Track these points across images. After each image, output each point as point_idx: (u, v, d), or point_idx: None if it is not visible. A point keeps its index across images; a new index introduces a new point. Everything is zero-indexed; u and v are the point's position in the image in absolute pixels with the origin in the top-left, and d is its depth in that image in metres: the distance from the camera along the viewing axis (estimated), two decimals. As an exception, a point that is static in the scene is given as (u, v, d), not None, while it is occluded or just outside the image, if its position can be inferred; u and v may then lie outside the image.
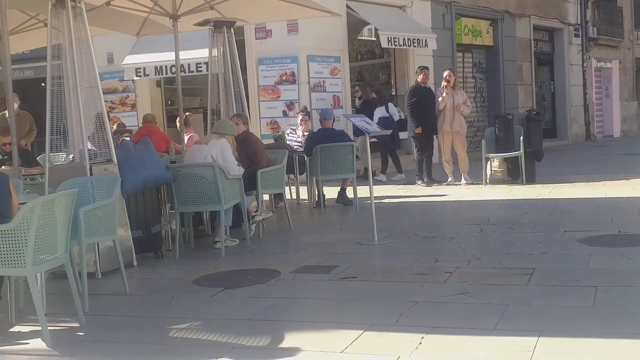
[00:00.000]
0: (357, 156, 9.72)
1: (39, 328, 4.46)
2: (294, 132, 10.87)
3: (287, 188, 9.82)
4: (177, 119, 11.10)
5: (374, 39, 15.03)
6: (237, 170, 7.27)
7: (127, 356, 4.21)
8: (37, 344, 4.44)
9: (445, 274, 5.60)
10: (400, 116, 12.56)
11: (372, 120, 10.33)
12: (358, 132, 10.52)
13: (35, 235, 4.31)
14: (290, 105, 13.34)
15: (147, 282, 6.16)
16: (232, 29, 9.09)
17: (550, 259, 5.98)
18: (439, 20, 16.32)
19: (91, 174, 6.23)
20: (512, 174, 11.28)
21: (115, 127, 10.99)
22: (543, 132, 12.96)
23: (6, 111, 8.67)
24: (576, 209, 8.70)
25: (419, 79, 11.45)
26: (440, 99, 11.19)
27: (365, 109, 12.54)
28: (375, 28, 14.36)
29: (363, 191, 9.41)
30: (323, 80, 13.55)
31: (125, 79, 14.97)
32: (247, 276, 6.00)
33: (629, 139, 23.28)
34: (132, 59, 14.09)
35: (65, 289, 5.05)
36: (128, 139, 9.10)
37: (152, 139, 7.97)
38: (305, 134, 10.55)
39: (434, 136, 11.49)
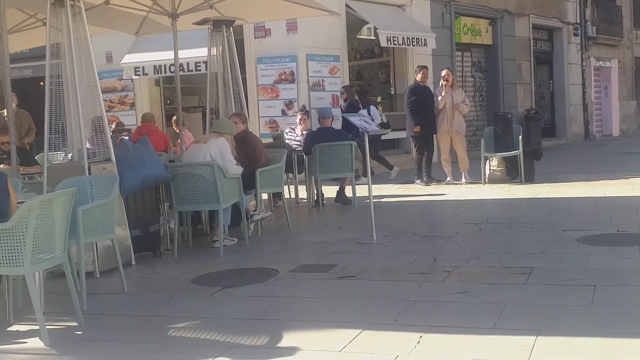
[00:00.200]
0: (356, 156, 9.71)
1: (37, 327, 4.46)
2: (292, 131, 10.88)
3: (285, 187, 9.83)
4: (173, 119, 11.10)
5: (373, 38, 15.02)
6: (236, 169, 7.27)
7: (126, 355, 4.20)
8: (35, 343, 4.44)
9: (443, 273, 5.60)
10: (382, 119, 12.35)
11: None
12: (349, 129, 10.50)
13: (33, 234, 4.31)
14: (289, 104, 13.33)
15: (145, 281, 6.16)
16: (231, 28, 9.08)
17: (549, 258, 5.98)
18: (438, 19, 16.32)
19: (90, 173, 6.23)
20: (511, 173, 11.28)
21: (114, 125, 11.00)
22: (542, 131, 12.96)
23: (4, 110, 8.67)
24: (575, 208, 8.70)
25: (418, 78, 11.45)
26: (439, 98, 11.19)
27: (349, 111, 12.43)
28: (374, 27, 14.34)
29: (362, 190, 9.42)
30: (322, 80, 13.54)
31: (124, 78, 14.95)
32: (246, 275, 6.00)
33: (628, 138, 23.29)
34: (131, 58, 14.08)
35: (63, 288, 5.05)
36: (127, 138, 9.10)
37: (150, 138, 7.98)
38: (304, 133, 10.56)
39: (433, 135, 11.49)
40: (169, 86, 15.62)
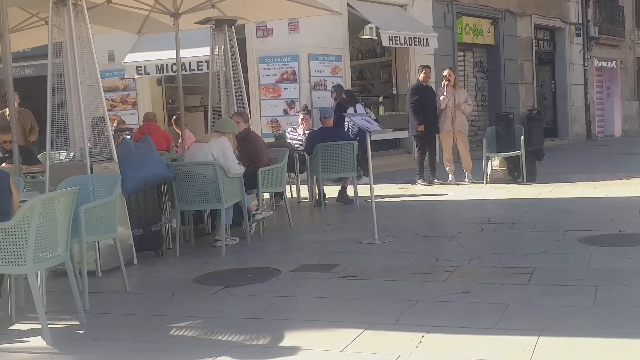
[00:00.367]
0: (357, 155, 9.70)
1: (39, 326, 4.46)
2: (294, 131, 10.88)
3: (287, 187, 9.83)
4: (173, 118, 11.08)
5: (375, 37, 15.01)
6: (238, 168, 7.28)
7: (127, 354, 4.21)
8: (37, 341, 4.45)
9: (445, 273, 5.60)
10: (370, 116, 12.24)
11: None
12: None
13: (35, 233, 4.31)
14: (291, 103, 13.33)
15: (147, 280, 6.16)
16: (233, 27, 9.08)
17: (551, 259, 5.98)
18: (440, 19, 16.30)
19: (92, 172, 6.23)
20: (513, 173, 11.28)
21: (115, 124, 10.99)
22: (544, 131, 12.95)
23: (6, 109, 8.67)
24: (577, 208, 8.70)
25: (420, 78, 11.45)
26: (441, 97, 11.19)
27: (339, 110, 12.40)
28: (376, 27, 14.33)
29: (363, 190, 9.42)
30: (324, 79, 13.53)
31: (126, 77, 14.95)
32: (248, 275, 6.01)
33: (630, 138, 23.27)
34: (133, 57, 14.08)
35: (65, 287, 5.06)
36: (129, 137, 9.10)
37: (152, 137, 7.98)
38: (306, 132, 10.56)
39: (436, 135, 11.49)
40: (170, 85, 15.63)
